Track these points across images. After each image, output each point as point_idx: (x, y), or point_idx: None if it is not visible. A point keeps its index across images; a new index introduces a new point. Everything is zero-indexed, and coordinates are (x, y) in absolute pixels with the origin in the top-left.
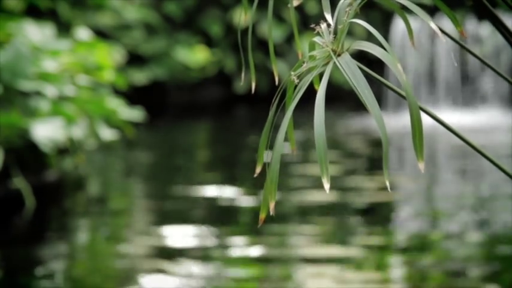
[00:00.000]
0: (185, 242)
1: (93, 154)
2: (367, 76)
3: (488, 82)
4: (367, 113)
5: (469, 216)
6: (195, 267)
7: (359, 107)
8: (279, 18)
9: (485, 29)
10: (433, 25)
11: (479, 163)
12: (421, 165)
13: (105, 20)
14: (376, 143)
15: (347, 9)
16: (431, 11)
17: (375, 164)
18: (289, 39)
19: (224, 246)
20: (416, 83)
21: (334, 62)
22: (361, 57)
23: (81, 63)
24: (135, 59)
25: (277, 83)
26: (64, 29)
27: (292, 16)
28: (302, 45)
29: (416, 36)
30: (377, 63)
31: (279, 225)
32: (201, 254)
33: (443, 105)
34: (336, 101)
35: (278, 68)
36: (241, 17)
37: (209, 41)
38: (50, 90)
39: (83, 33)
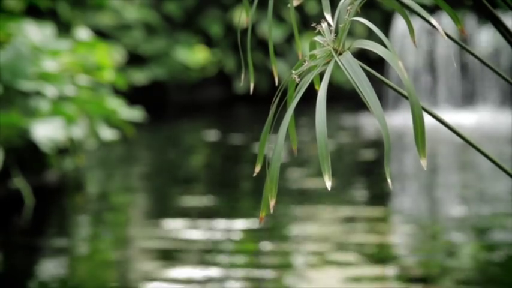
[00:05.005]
0: (185, 243)
1: (93, 154)
2: (367, 75)
3: (487, 82)
4: (366, 112)
5: (469, 223)
6: (196, 270)
7: (358, 107)
8: (279, 18)
9: (485, 29)
10: (434, 22)
11: (478, 164)
12: (424, 162)
13: (105, 20)
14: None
15: (348, 8)
16: (431, 10)
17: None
18: (289, 39)
19: (229, 241)
20: (416, 82)
21: (335, 61)
22: (360, 56)
23: (81, 63)
24: (135, 59)
25: (277, 83)
26: (64, 29)
27: (292, 16)
28: (302, 45)
29: (416, 35)
30: (377, 62)
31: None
32: (201, 259)
33: (442, 105)
34: (334, 101)
35: (278, 68)
36: (241, 17)
37: (209, 41)
38: (50, 90)
39: (83, 33)
